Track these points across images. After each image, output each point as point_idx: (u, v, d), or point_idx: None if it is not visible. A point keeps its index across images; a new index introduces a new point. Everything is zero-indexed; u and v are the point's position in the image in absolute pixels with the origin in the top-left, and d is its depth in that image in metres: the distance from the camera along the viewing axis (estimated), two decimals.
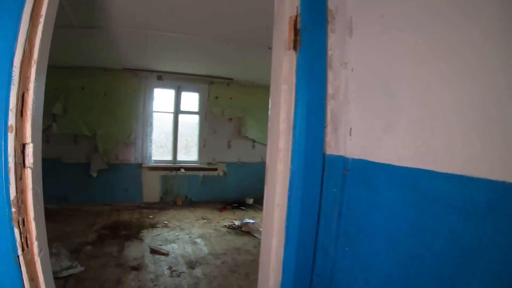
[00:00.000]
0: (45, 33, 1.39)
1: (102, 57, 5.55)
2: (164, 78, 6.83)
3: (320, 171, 1.47)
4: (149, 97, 6.83)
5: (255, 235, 5.11)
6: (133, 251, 4.25)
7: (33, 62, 1.33)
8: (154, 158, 7.05)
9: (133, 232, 5.00)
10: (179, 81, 6.97)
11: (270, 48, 4.43)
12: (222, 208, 6.77)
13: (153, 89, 6.87)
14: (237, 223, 5.70)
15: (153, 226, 5.37)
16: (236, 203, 7.13)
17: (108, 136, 6.51)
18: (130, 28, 3.91)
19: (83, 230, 4.89)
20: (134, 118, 6.72)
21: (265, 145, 6.77)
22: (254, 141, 7.66)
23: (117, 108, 6.56)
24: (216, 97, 7.30)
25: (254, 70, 6.23)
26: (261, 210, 6.60)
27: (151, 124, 6.89)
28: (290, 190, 1.48)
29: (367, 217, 1.33)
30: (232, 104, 7.40)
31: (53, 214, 5.39)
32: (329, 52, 1.49)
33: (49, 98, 5.70)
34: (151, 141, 6.91)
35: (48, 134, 6.09)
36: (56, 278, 3.21)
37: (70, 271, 3.41)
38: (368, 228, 1.33)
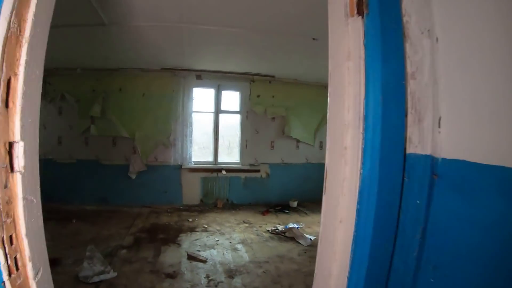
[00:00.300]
0: (41, 7, 1.13)
1: (139, 57, 5.47)
2: (203, 77, 6.66)
3: (399, 176, 1.09)
4: (188, 97, 6.68)
5: (300, 241, 4.78)
6: (169, 256, 4.06)
7: (24, 41, 1.07)
8: (194, 159, 6.89)
9: (170, 236, 4.83)
10: (219, 79, 6.78)
11: (314, 39, 4.10)
12: (264, 212, 6.49)
13: (192, 89, 6.73)
14: (280, 227, 5.39)
15: (192, 230, 5.18)
16: (280, 206, 6.81)
17: (147, 138, 6.47)
18: (163, 22, 3.73)
19: (120, 232, 4.80)
20: (173, 119, 6.60)
21: (310, 145, 6.48)
22: (298, 141, 7.32)
23: (156, 109, 6.50)
24: (258, 96, 7.02)
25: (296, 66, 5.92)
26: (306, 213, 6.30)
27: (191, 125, 6.74)
28: (360, 202, 1.13)
29: (464, 240, 0.96)
30: (274, 103, 7.11)
31: (91, 216, 5.45)
32: (404, 19, 1.12)
33: (86, 100, 5.84)
34: (191, 142, 6.76)
35: (87, 136, 6.24)
36: (86, 284, 3.09)
37: (102, 277, 3.26)
38: (465, 255, 0.96)
